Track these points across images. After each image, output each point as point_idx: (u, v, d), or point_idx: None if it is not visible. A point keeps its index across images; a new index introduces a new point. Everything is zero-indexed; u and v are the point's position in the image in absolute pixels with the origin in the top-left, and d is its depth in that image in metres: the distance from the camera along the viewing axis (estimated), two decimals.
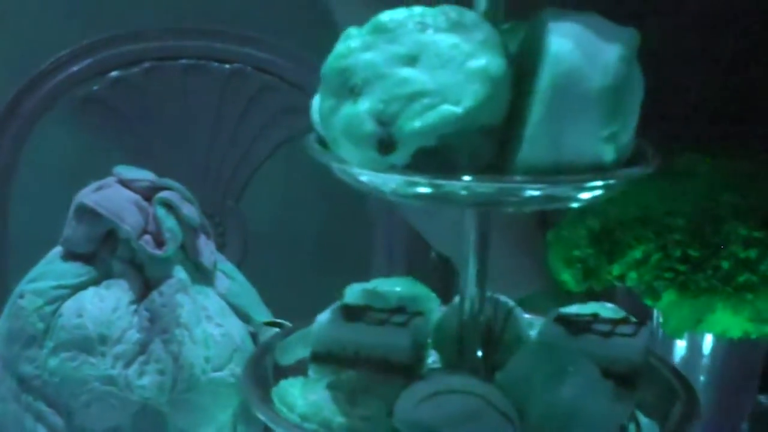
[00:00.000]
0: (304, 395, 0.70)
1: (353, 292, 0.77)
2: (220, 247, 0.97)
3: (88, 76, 1.45)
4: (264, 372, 0.75)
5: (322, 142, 0.66)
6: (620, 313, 0.77)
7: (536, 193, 0.62)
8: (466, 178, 0.61)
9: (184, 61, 1.47)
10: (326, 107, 0.63)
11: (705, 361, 0.91)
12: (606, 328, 0.72)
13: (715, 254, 0.82)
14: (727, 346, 0.90)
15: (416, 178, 0.61)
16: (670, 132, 0.86)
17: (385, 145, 0.60)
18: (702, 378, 0.91)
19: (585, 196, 0.64)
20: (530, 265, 1.04)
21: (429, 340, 0.75)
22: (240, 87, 1.47)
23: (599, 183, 0.63)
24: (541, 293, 1.02)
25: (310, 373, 0.73)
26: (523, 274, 1.05)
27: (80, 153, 1.50)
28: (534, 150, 0.61)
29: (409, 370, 0.70)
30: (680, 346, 0.91)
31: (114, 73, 1.46)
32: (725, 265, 0.82)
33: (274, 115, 1.48)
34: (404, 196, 0.63)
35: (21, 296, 0.86)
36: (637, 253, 0.84)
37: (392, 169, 0.61)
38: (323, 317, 0.73)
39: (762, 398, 1.01)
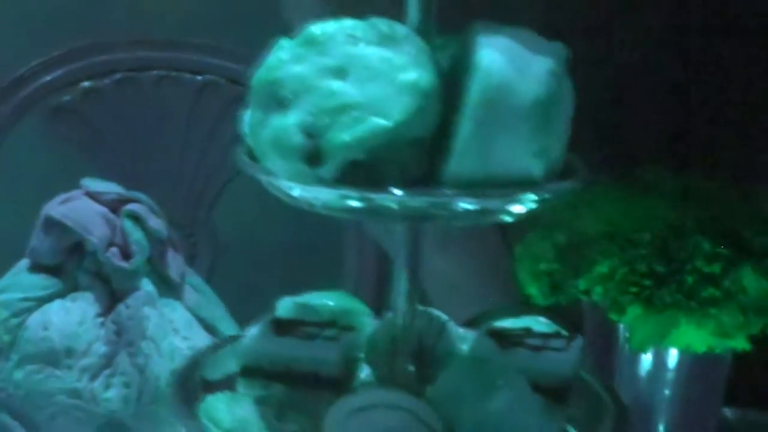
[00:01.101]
0: (231, 410, 0.70)
1: (285, 306, 0.77)
2: (191, 258, 0.97)
3: (60, 86, 1.45)
4: (192, 387, 0.74)
5: (252, 155, 0.66)
6: (553, 327, 0.77)
7: (468, 206, 0.62)
8: (397, 192, 0.61)
9: (155, 72, 1.47)
10: (255, 119, 0.63)
11: (670, 375, 0.91)
12: (537, 342, 0.72)
13: (680, 269, 0.83)
14: (691, 361, 0.90)
15: (347, 192, 0.61)
16: (631, 147, 0.87)
17: (314, 157, 0.60)
18: (667, 392, 0.92)
19: (516, 209, 0.64)
20: (494, 278, 1.05)
21: (362, 355, 0.74)
22: (212, 98, 1.47)
23: (531, 196, 0.63)
24: (506, 307, 1.02)
25: (239, 387, 0.72)
26: (487, 287, 1.05)
27: (51, 163, 1.50)
28: (463, 163, 0.61)
29: (340, 385, 0.70)
30: (646, 360, 0.92)
31: (85, 84, 1.45)
32: (689, 280, 0.82)
33: None
34: (335, 210, 0.63)
35: None
36: (603, 268, 0.84)
37: (322, 182, 0.61)
38: (253, 331, 0.72)
39: (726, 411, 1.02)
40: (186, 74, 1.47)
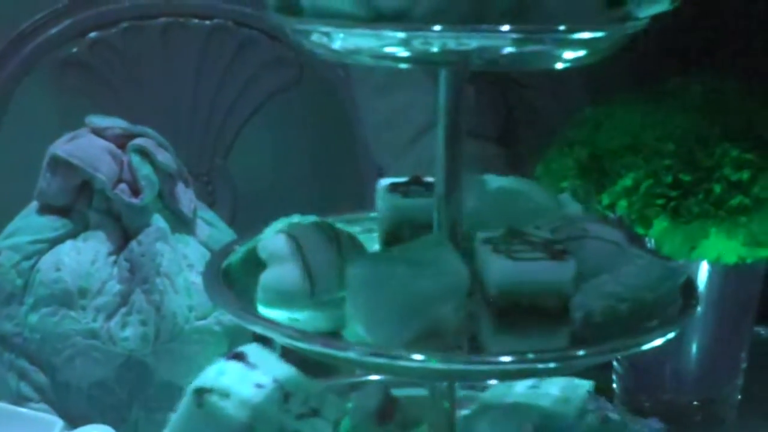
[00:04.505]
0: None
1: None
2: (210, 206, 0.95)
3: (67, 38, 1.43)
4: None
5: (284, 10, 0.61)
6: None
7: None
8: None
9: (162, 19, 1.44)
10: None
11: (701, 290, 0.89)
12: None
13: (707, 178, 0.80)
14: (722, 274, 0.88)
15: (389, 32, 0.57)
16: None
17: None
18: (698, 309, 0.89)
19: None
20: None
21: None
22: (221, 43, 1.44)
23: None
24: None
25: None
26: None
27: (61, 116, 1.47)
28: None
29: None
30: None
31: (92, 35, 1.43)
32: (717, 188, 0.80)
33: (258, 69, 1.45)
34: (375, 56, 0.60)
35: None
36: (627, 181, 0.82)
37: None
38: None
39: (761, 330, 0.99)
40: (194, 20, 1.45)
